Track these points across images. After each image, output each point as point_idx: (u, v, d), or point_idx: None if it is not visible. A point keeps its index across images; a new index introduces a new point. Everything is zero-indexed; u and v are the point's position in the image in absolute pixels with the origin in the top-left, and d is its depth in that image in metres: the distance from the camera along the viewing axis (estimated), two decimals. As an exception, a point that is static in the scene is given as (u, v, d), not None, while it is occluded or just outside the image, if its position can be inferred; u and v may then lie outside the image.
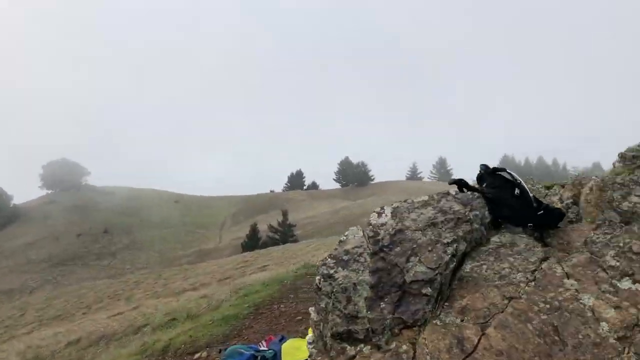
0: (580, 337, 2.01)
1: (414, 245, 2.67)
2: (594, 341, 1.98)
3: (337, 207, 73.15)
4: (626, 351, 1.90)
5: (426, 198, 3.12)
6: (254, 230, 47.76)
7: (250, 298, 7.77)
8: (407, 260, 2.60)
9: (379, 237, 2.81)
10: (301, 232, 50.03)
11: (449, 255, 2.60)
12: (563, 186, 3.80)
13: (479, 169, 3.26)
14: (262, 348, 3.74)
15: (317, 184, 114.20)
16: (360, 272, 2.66)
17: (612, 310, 2.09)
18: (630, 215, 2.69)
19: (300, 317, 5.96)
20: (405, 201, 3.13)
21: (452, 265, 2.60)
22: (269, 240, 45.61)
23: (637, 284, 2.18)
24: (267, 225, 49.62)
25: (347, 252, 2.83)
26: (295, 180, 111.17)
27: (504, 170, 3.11)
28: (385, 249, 2.71)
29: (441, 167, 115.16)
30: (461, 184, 3.10)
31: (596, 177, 3.27)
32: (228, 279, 19.09)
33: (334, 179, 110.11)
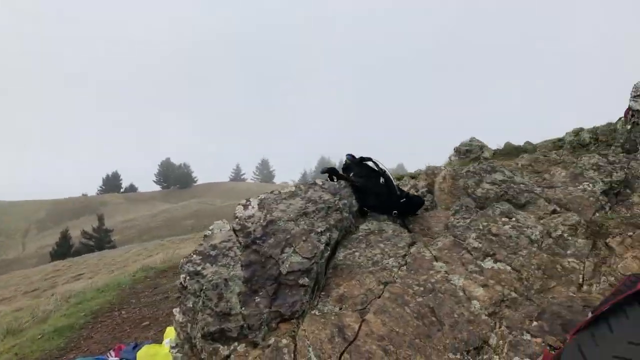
0: (455, 316, 2.10)
1: (288, 236, 2.58)
2: (468, 319, 2.09)
3: (158, 210, 69.64)
4: (498, 325, 2.03)
5: (293, 189, 3.06)
6: (64, 236, 43.43)
7: (85, 306, 6.93)
8: (282, 251, 2.50)
9: (250, 230, 2.66)
10: (119, 238, 46.60)
11: (324, 244, 2.56)
12: (413, 177, 4.04)
13: (345, 158, 3.29)
14: (111, 358, 3.33)
15: (136, 186, 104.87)
16: (232, 266, 2.49)
17: (480, 288, 2.24)
18: (484, 201, 2.95)
19: (147, 322, 5.47)
20: (271, 192, 3.04)
21: (327, 254, 2.57)
22: (83, 247, 41.92)
23: (498, 263, 2.38)
24: (80, 231, 45.52)
25: (214, 247, 2.63)
26: (111, 183, 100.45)
27: (369, 159, 3.18)
28: (258, 241, 2.57)
29: (264, 168, 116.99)
30: (332, 172, 3.10)
31: (445, 167, 3.52)
32: (36, 290, 16.98)
33: (154, 181, 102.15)
